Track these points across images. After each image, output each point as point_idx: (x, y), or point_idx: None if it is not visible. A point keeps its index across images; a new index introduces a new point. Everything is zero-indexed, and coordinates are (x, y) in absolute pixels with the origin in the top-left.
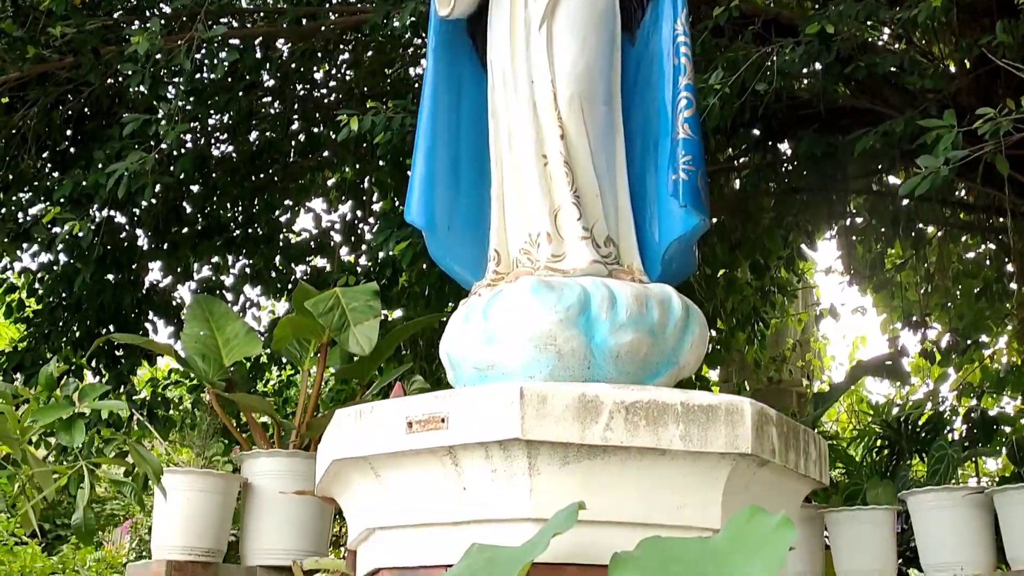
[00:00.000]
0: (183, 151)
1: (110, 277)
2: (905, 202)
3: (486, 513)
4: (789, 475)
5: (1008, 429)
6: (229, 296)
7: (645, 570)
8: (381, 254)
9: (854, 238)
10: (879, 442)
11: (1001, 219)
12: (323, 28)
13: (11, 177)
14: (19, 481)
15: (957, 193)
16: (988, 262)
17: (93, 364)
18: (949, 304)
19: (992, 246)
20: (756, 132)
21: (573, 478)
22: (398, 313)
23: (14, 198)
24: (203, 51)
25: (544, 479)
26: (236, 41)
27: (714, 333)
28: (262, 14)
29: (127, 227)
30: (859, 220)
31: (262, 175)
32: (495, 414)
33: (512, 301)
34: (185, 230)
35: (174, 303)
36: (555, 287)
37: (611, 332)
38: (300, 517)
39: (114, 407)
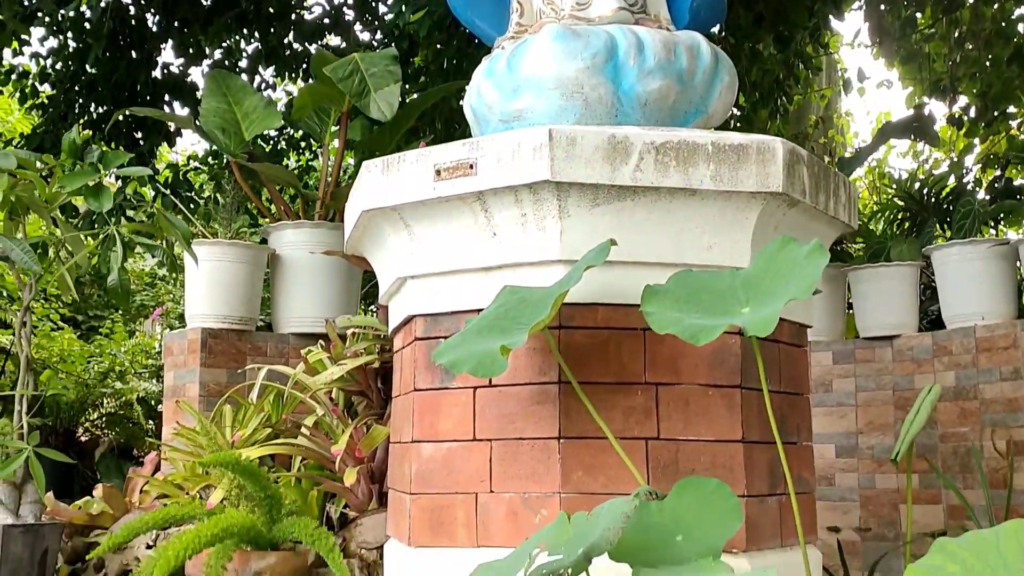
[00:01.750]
0: None
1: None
2: None
3: (517, 257)
4: (819, 217)
5: None
6: (244, 78)
7: (676, 300)
8: (396, 30)
9: (882, 7)
10: (900, 215)
11: None
12: None
13: None
14: (52, 248)
15: None
16: (1022, 27)
17: (112, 146)
18: (977, 74)
19: None
20: None
21: (603, 220)
22: (415, 97)
23: None
24: None
25: (574, 222)
26: None
27: (736, 111)
28: None
29: (134, 7)
30: None
31: None
32: (524, 157)
33: (537, 50)
34: (195, 9)
35: (188, 82)
36: (581, 34)
37: (639, 79)
38: (329, 285)
39: (138, 172)
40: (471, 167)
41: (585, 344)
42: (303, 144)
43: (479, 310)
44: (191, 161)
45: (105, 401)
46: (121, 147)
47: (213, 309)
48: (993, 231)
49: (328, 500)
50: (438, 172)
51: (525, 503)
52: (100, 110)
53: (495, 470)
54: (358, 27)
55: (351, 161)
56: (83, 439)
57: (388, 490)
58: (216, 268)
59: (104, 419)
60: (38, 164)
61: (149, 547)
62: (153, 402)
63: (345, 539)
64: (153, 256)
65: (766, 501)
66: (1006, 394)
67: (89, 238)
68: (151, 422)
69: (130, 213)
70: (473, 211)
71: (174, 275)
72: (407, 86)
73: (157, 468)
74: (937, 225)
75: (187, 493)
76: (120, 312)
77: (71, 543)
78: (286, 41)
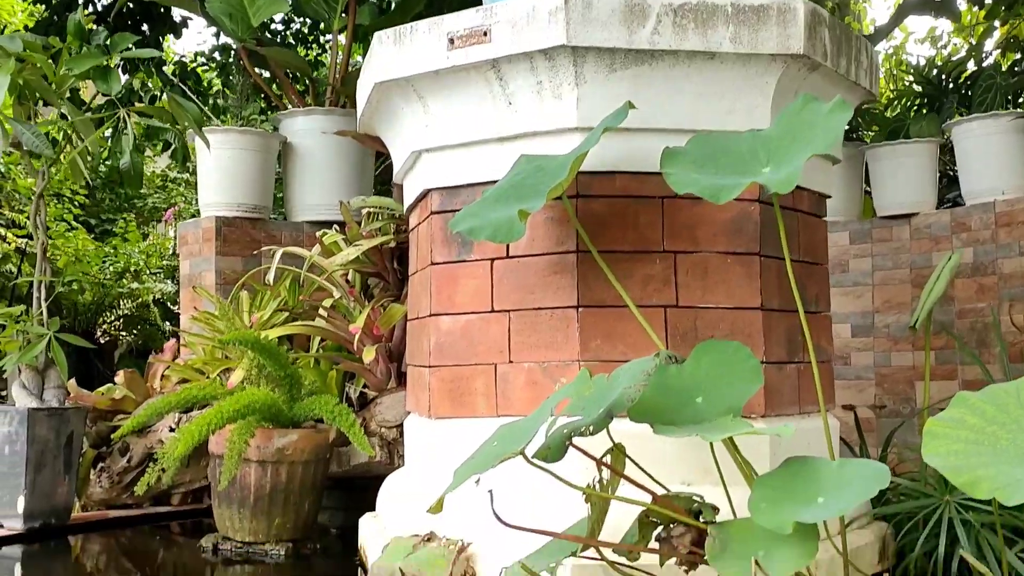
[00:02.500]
0: None
1: None
2: None
3: (533, 126)
4: (840, 82)
5: None
6: None
7: (695, 161)
8: None
9: None
10: (918, 100)
11: None
12: None
13: None
14: (62, 137)
15: None
16: None
17: None
18: None
19: None
20: None
21: (620, 86)
22: None
23: None
24: None
25: (591, 88)
26: None
27: None
28: None
29: None
30: None
31: None
32: (539, 22)
33: None
34: None
35: None
36: None
37: None
38: (342, 172)
39: (146, 54)
40: (485, 34)
41: (603, 213)
42: (311, 38)
43: (495, 181)
44: (198, 58)
45: (122, 302)
46: None
47: (226, 197)
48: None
49: (347, 381)
50: (452, 41)
51: (544, 372)
52: (104, 1)
53: (514, 340)
54: None
55: (360, 58)
56: (101, 341)
57: (407, 368)
58: (228, 156)
59: (121, 321)
60: (44, 48)
61: (172, 430)
62: (169, 303)
63: (365, 418)
64: (167, 145)
65: (784, 368)
66: None
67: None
68: (168, 323)
69: (139, 107)
70: (488, 80)
71: (185, 175)
72: None
73: (176, 355)
74: (956, 107)
75: (207, 377)
76: (134, 213)
77: (95, 428)
78: None
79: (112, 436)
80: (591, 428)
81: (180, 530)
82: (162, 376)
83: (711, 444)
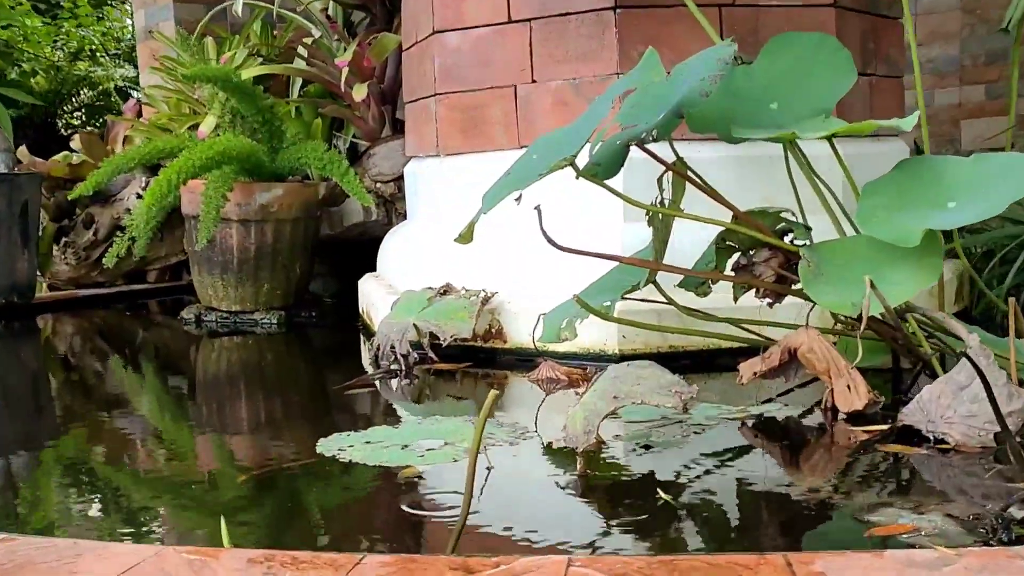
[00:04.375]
0: None
1: None
2: None
3: None
4: None
5: None
6: None
7: None
8: None
9: None
10: None
11: None
12: None
13: None
14: None
15: None
16: None
17: None
18: None
19: None
20: None
21: None
22: None
23: None
24: None
25: None
26: None
27: None
28: None
29: None
30: None
31: None
32: None
33: None
34: None
35: None
36: None
37: None
38: None
39: None
40: None
41: None
42: None
43: None
44: None
45: (81, 92)
46: None
47: None
48: None
49: (334, 131)
50: None
51: (576, 90)
52: None
53: (537, 55)
54: None
55: None
56: (63, 133)
57: (404, 110)
58: None
59: (83, 111)
60: None
61: (139, 196)
62: (132, 89)
63: (357, 174)
64: None
65: (856, 81)
66: None
67: None
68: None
69: None
70: None
71: None
72: None
73: (138, 116)
74: None
75: (174, 134)
76: None
77: (53, 199)
78: None
79: (69, 196)
80: (653, 133)
81: (159, 308)
82: (124, 139)
83: (787, 164)
